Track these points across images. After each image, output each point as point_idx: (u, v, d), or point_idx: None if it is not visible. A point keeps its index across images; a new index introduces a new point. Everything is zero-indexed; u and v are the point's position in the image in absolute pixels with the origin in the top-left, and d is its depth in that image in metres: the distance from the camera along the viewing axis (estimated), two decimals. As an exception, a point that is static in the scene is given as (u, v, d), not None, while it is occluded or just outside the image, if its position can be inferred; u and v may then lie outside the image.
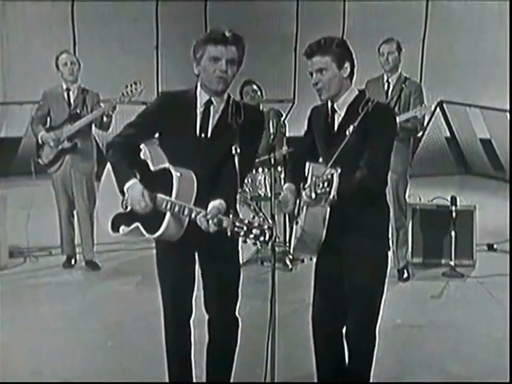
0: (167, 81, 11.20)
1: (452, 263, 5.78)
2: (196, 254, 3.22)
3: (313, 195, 2.78)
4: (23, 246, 6.29)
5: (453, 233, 5.81)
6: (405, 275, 5.67)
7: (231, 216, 2.77)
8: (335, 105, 3.19)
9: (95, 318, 4.84)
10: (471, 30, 10.96)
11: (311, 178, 3.02)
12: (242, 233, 2.71)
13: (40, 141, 5.81)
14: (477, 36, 10.93)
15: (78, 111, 5.76)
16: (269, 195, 5.81)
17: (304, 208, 3.12)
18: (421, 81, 10.55)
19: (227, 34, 3.00)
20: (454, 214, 5.82)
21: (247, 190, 5.93)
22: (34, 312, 4.93)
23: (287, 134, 6.34)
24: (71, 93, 5.84)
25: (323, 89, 3.14)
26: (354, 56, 3.18)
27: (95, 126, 5.86)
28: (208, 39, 3.01)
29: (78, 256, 6.12)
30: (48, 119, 5.90)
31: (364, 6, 11.34)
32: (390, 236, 3.45)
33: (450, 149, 11.66)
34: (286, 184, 3.35)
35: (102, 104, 5.78)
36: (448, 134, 11.64)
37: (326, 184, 2.74)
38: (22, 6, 10.69)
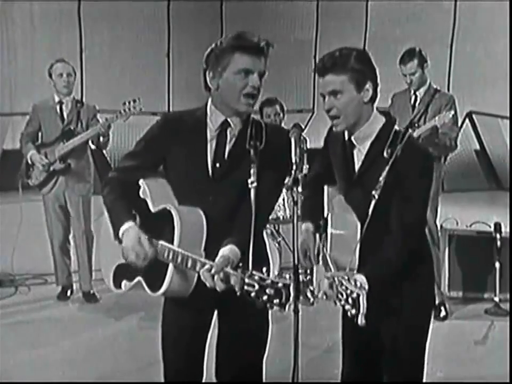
0: (179, 91, 10.68)
1: (496, 298, 5.11)
2: (216, 311, 2.63)
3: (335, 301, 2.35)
4: (17, 272, 5.67)
5: (497, 264, 5.12)
6: (442, 313, 5.00)
7: (239, 270, 2.20)
8: (352, 139, 2.56)
9: (90, 366, 4.18)
10: (502, 35, 10.33)
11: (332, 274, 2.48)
12: (253, 293, 2.15)
13: (29, 161, 5.26)
14: (508, 41, 10.31)
15: (72, 127, 5.19)
16: (289, 218, 5.22)
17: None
18: (448, 90, 9.98)
19: (261, 42, 2.39)
20: (498, 243, 5.15)
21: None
22: (18, 359, 4.27)
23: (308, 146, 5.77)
24: (64, 106, 5.26)
25: (338, 118, 2.49)
26: (377, 72, 2.51)
27: (92, 143, 5.30)
28: (236, 46, 2.38)
29: (75, 285, 5.50)
30: (40, 134, 5.33)
31: (387, 10, 10.85)
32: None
33: (480, 162, 11.16)
34: (303, 226, 2.74)
35: (99, 118, 5.20)
36: (477, 147, 11.16)
37: (350, 300, 2.26)
38: (29, 14, 10.22)
